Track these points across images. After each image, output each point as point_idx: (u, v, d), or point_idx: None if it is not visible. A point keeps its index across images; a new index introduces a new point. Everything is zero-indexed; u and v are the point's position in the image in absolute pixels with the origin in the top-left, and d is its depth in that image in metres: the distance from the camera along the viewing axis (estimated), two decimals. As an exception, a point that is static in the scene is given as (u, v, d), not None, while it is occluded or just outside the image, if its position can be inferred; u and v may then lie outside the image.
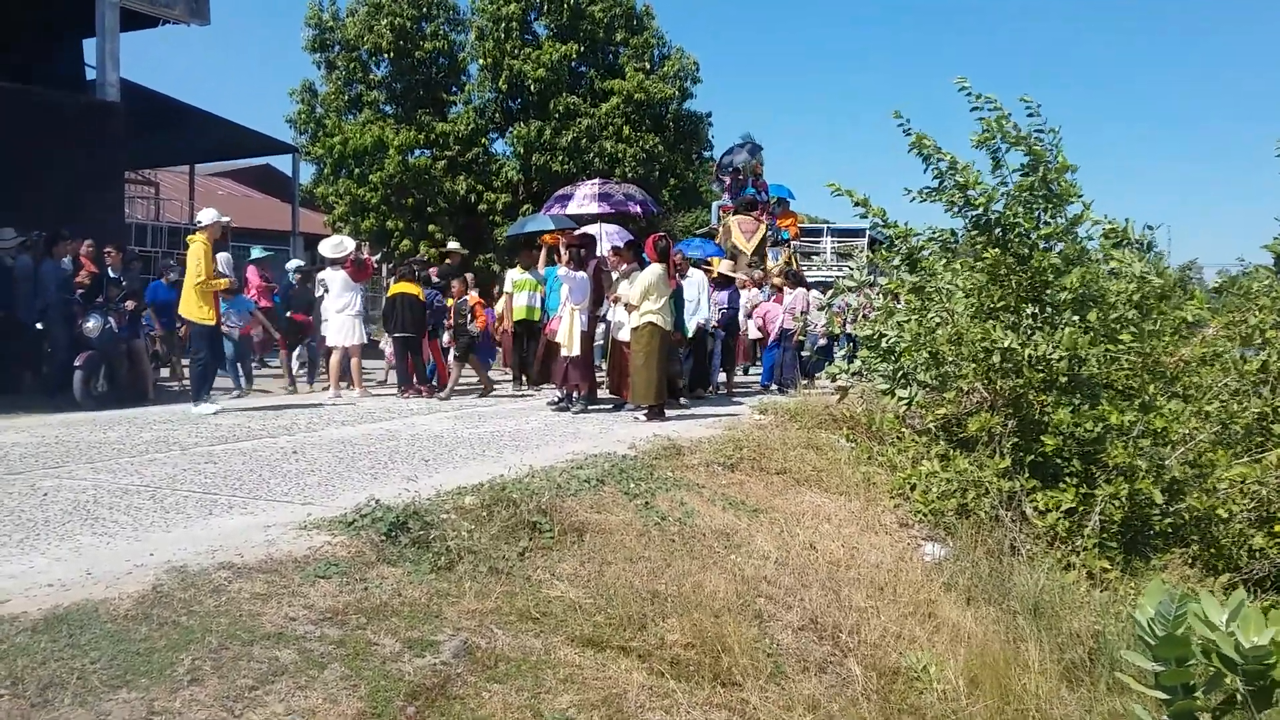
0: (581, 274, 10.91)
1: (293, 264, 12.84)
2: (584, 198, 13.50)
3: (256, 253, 16.66)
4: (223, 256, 12.93)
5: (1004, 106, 8.68)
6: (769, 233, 15.47)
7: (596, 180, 14.26)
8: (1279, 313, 8.67)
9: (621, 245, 12.14)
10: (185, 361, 13.08)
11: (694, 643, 4.74)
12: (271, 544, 4.89)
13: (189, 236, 10.72)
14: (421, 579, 4.68)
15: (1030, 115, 8.58)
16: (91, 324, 11.04)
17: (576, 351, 10.82)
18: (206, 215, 10.87)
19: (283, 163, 28.83)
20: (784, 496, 7.73)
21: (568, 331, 10.76)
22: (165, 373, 14.47)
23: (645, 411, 10.37)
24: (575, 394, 11.10)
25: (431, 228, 24.14)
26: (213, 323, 10.78)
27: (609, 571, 5.27)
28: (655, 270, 10.45)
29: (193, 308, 10.39)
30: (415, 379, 12.96)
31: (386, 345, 14.33)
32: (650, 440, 8.58)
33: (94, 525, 5.29)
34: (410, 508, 5.35)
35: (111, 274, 12.69)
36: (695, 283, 12.47)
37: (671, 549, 5.90)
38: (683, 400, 11.85)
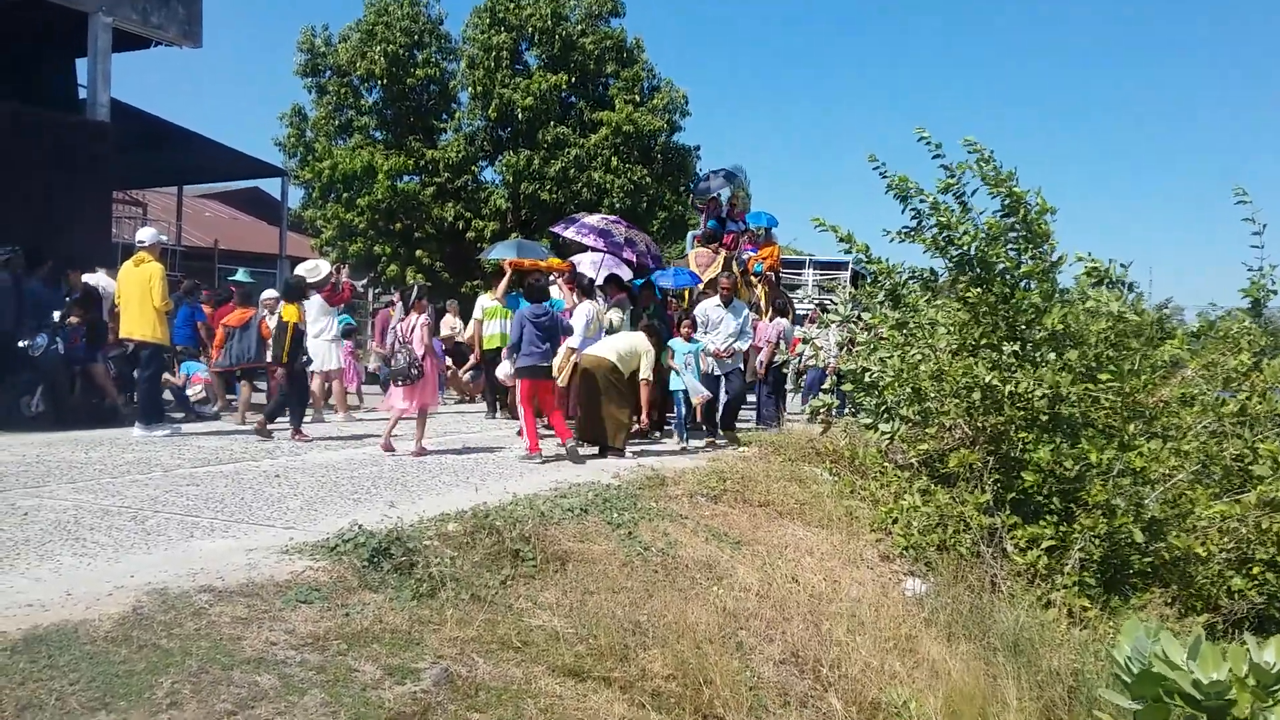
0: (589, 304, 10.95)
1: (269, 293, 12.57)
2: (585, 229, 13.32)
3: (241, 276, 16.62)
4: None
5: (983, 147, 8.79)
6: (736, 265, 15.27)
7: (609, 215, 14.34)
8: (1256, 356, 8.76)
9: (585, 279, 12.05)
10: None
11: (676, 674, 4.74)
12: (253, 568, 4.87)
13: (135, 256, 10.58)
14: (403, 606, 4.67)
15: (982, 161, 8.73)
16: (33, 342, 10.75)
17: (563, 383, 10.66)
18: (148, 235, 10.77)
19: (271, 186, 29.00)
20: (767, 529, 7.74)
21: (560, 365, 10.54)
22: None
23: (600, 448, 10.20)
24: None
25: (419, 253, 24.21)
26: (166, 343, 10.78)
27: (591, 601, 5.27)
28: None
29: (147, 328, 10.35)
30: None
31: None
32: (634, 470, 8.60)
33: (74, 546, 5.26)
34: (393, 533, 5.35)
35: (71, 295, 12.26)
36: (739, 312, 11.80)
37: (654, 580, 5.90)
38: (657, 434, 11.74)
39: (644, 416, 10.45)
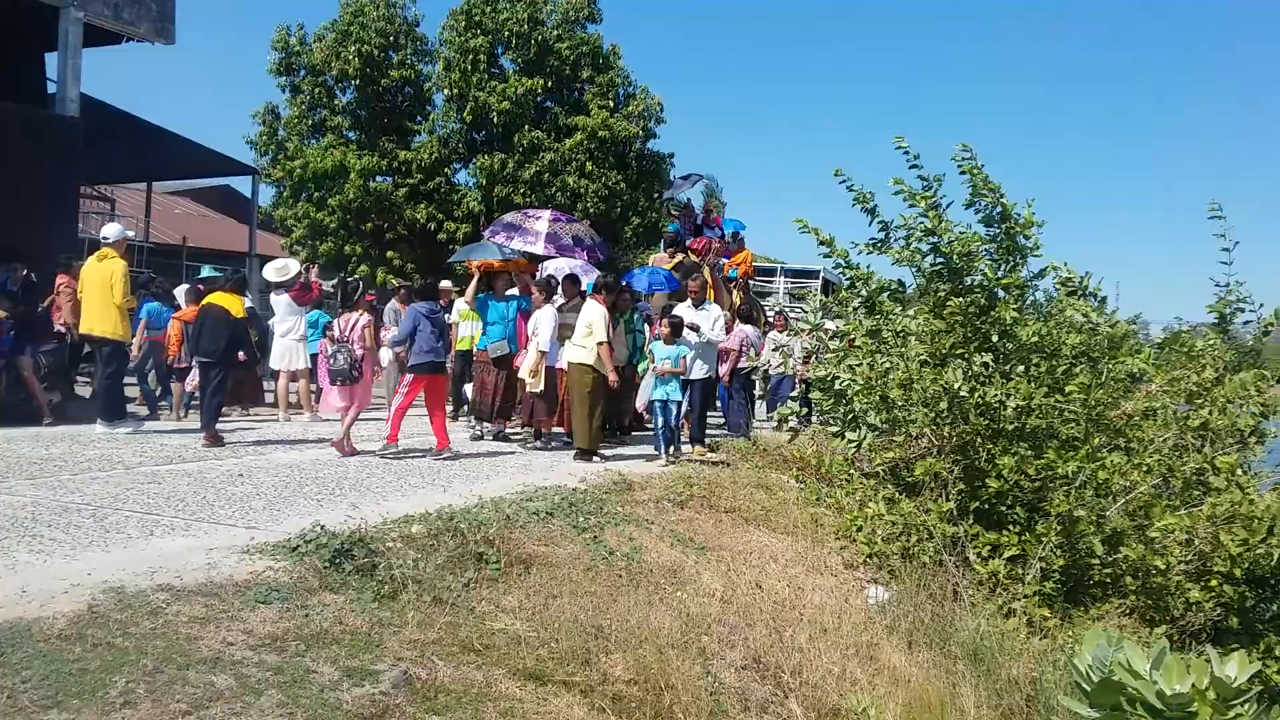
0: (549, 309, 10.75)
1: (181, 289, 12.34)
2: (534, 236, 12.78)
3: (206, 272, 16.45)
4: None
5: (975, 155, 8.84)
6: (712, 271, 15.21)
7: (548, 215, 13.39)
8: (1220, 372, 8.88)
9: (550, 280, 11.83)
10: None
11: (637, 679, 4.74)
12: (213, 567, 4.83)
13: (99, 252, 10.45)
14: (364, 607, 4.64)
15: (974, 170, 8.79)
16: None
17: (541, 387, 10.60)
18: (113, 231, 10.66)
19: (242, 184, 28.72)
20: (732, 535, 7.76)
21: (532, 367, 10.50)
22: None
23: (576, 451, 10.09)
24: (539, 430, 10.95)
25: (390, 254, 24.08)
26: (127, 340, 10.67)
27: (554, 605, 5.26)
28: (596, 308, 10.08)
29: (108, 325, 10.23)
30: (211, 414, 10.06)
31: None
32: (601, 475, 8.60)
33: (31, 542, 5.19)
34: (355, 535, 5.32)
35: (9, 288, 11.86)
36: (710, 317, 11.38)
37: (618, 584, 5.90)
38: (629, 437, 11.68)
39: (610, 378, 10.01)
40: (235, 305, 10.21)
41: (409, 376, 9.67)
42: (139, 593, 4.31)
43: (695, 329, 10.78)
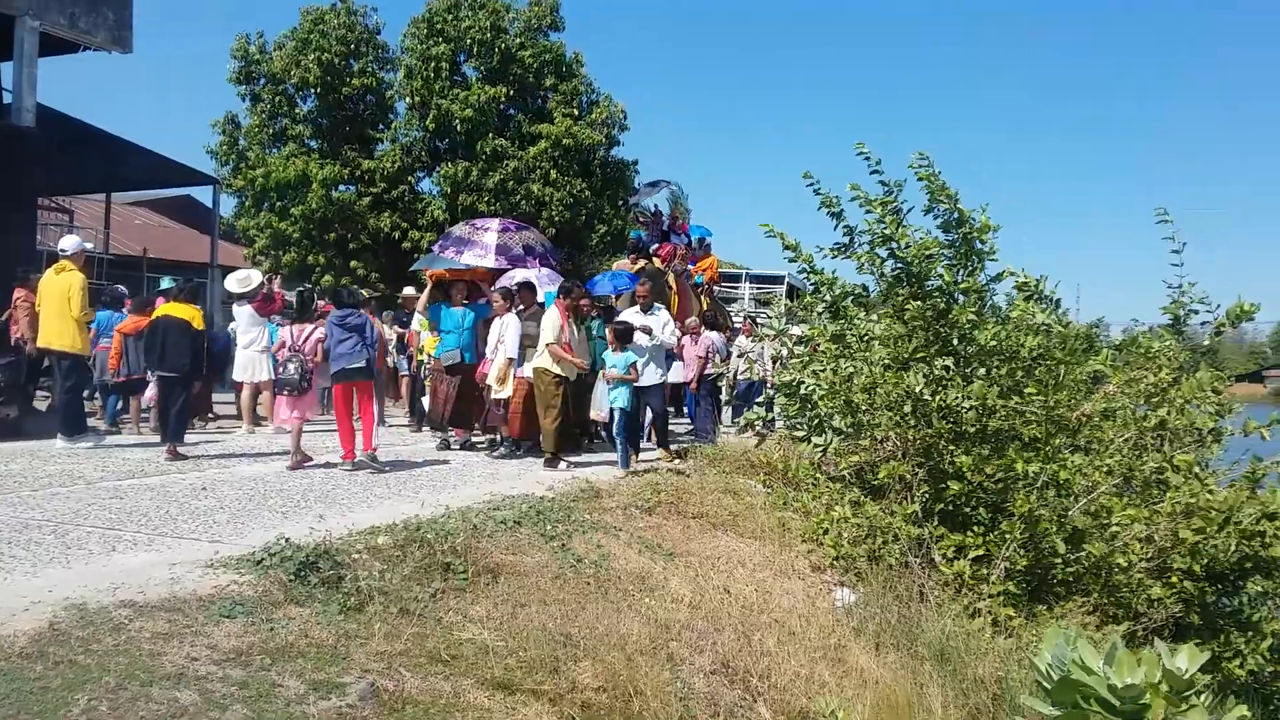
0: (513, 316, 10.64)
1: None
2: (483, 249, 12.53)
3: (166, 283, 16.27)
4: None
5: (932, 162, 8.93)
6: (678, 276, 15.20)
7: (496, 225, 12.86)
8: (1176, 372, 9.01)
9: (514, 288, 11.48)
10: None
11: (606, 686, 4.75)
12: (176, 582, 4.79)
13: (56, 264, 10.34)
14: (330, 620, 4.61)
15: (930, 176, 8.88)
16: None
17: (507, 394, 10.56)
18: (70, 243, 10.56)
19: (203, 194, 28.37)
20: (700, 540, 7.78)
21: (499, 375, 10.49)
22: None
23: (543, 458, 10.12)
24: (500, 436, 10.95)
25: (354, 264, 23.95)
26: (86, 354, 10.55)
27: (522, 614, 5.25)
28: (550, 314, 10.08)
29: (66, 339, 10.11)
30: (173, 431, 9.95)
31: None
32: (568, 482, 8.60)
33: (-10, 561, 5.12)
34: (321, 547, 5.29)
35: None
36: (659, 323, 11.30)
37: (586, 592, 5.90)
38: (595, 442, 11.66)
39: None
40: (194, 316, 10.08)
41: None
42: (101, 609, 4.27)
43: (648, 332, 10.78)
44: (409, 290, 16.65)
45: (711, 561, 7.28)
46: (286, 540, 5.28)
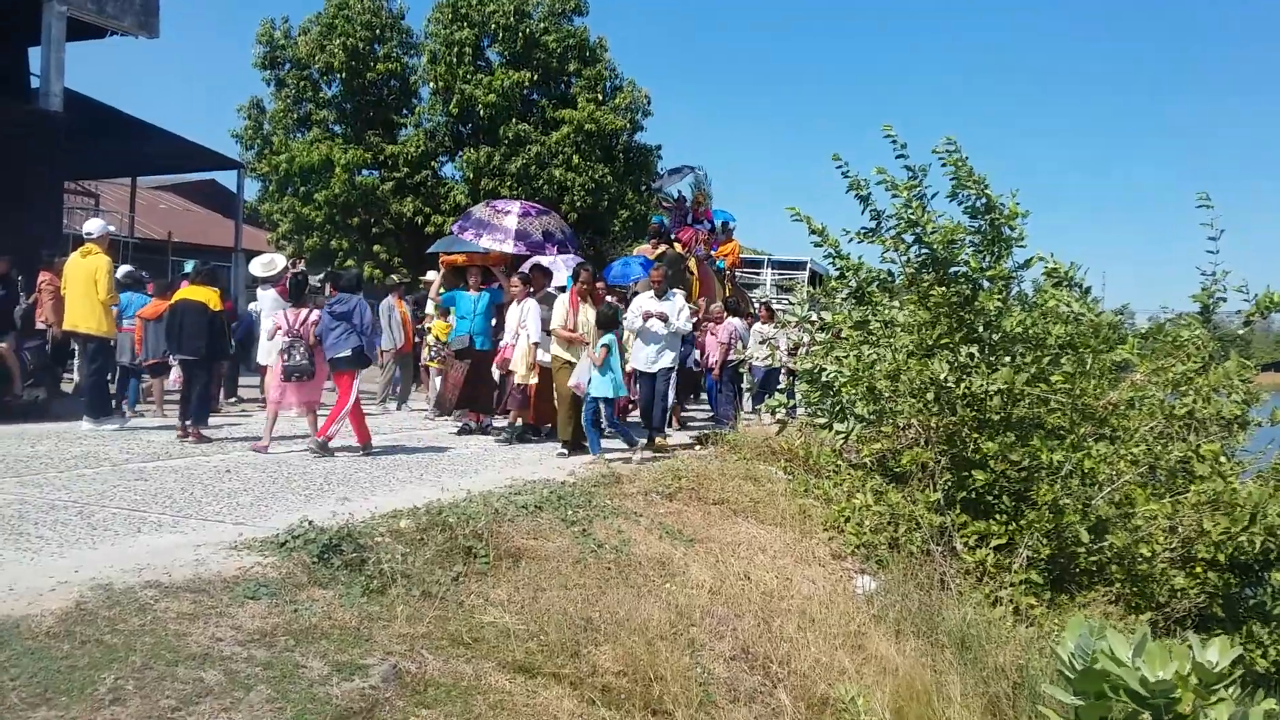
0: (532, 301, 10.57)
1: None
2: (503, 234, 12.47)
3: (190, 267, 16.37)
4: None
5: (959, 147, 8.82)
6: (699, 262, 15.13)
7: (517, 209, 12.77)
8: (1204, 360, 8.92)
9: (527, 272, 11.28)
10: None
11: (626, 670, 4.76)
12: (201, 563, 4.83)
13: (83, 248, 10.39)
14: (353, 602, 4.64)
15: (959, 161, 8.79)
16: None
17: (533, 380, 10.49)
18: (96, 226, 10.57)
19: (228, 178, 28.57)
20: (720, 526, 7.78)
21: (523, 359, 10.40)
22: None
23: (562, 446, 10.07)
24: (510, 422, 10.92)
25: (377, 248, 24.06)
26: (112, 336, 10.60)
27: (543, 598, 5.27)
28: (563, 300, 10.08)
29: (92, 321, 10.18)
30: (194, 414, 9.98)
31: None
32: (589, 468, 8.61)
33: (18, 540, 5.18)
34: (344, 530, 5.32)
35: None
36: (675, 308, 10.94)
37: (607, 577, 5.91)
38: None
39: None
40: (212, 299, 10.08)
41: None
42: (127, 589, 4.31)
43: (664, 318, 10.69)
44: (431, 274, 16.70)
45: (732, 548, 7.28)
46: (310, 523, 5.31)
